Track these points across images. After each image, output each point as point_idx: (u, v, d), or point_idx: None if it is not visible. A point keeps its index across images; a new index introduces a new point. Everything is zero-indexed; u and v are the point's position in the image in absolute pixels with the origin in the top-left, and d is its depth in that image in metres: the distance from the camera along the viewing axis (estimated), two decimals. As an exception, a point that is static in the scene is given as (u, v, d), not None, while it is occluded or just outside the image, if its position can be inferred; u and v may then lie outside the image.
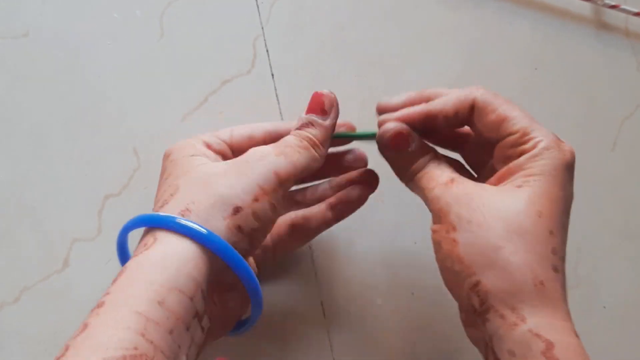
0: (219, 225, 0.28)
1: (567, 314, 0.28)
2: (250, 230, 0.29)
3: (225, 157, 0.33)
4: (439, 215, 0.30)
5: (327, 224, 0.37)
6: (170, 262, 0.27)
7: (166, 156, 0.33)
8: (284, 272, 0.40)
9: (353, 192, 0.37)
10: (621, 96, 0.46)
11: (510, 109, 0.32)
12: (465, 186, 0.31)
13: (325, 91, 0.33)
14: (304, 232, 0.37)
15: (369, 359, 0.40)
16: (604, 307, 0.43)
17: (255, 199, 0.29)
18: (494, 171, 0.33)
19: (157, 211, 0.29)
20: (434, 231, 0.31)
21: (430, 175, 0.32)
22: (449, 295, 0.40)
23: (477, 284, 0.28)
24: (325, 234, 0.41)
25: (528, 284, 0.27)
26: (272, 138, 0.34)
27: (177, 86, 0.41)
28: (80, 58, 0.41)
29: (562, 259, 0.29)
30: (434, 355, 0.41)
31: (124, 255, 0.33)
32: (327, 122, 0.33)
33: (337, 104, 0.34)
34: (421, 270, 0.42)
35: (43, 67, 0.40)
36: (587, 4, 0.46)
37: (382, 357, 0.40)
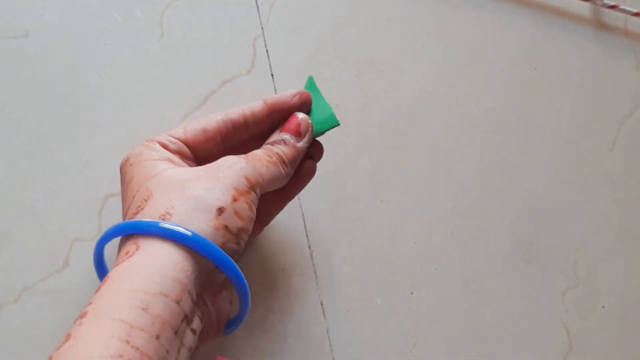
0: (204, 227, 0.28)
1: None
2: (237, 229, 0.29)
3: (183, 155, 0.33)
4: None
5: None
6: (154, 268, 0.27)
7: (124, 162, 0.32)
8: (284, 272, 0.40)
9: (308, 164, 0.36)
10: (621, 96, 0.46)
11: None
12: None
13: (301, 115, 0.35)
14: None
15: (369, 359, 0.40)
16: (604, 307, 0.43)
17: (234, 199, 0.29)
18: None
19: (133, 218, 0.29)
20: None
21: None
22: (449, 295, 0.41)
23: None
24: (325, 233, 0.41)
25: None
26: (227, 127, 0.34)
27: (177, 86, 0.41)
28: (80, 58, 0.41)
29: None
30: (434, 355, 0.41)
31: (101, 268, 0.33)
32: (300, 144, 0.34)
33: (312, 130, 0.35)
34: (421, 270, 0.42)
35: (43, 67, 0.40)
36: (587, 4, 0.46)
37: (381, 357, 0.40)
